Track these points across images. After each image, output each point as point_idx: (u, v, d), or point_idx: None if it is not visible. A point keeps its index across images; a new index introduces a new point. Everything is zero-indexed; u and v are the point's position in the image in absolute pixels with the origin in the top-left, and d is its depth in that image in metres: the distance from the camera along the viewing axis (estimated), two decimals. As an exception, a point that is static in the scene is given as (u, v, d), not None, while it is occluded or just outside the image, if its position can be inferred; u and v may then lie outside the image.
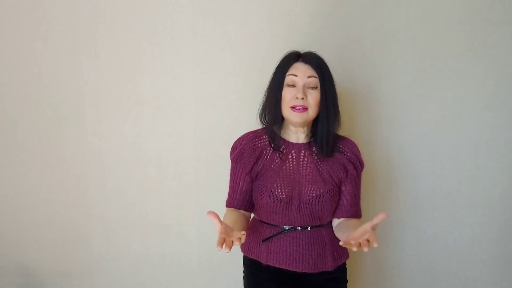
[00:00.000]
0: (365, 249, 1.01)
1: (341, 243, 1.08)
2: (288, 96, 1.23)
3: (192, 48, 1.74)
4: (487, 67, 1.69)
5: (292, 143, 1.31)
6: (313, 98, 1.23)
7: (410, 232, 1.81)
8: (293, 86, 1.23)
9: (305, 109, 1.22)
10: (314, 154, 1.30)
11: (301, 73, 1.23)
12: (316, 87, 1.23)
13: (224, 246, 1.01)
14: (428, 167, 1.76)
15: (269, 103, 1.29)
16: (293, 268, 1.28)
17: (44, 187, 1.90)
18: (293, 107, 1.22)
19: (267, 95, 1.31)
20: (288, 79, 1.24)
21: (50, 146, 1.87)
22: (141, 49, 1.76)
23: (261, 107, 1.34)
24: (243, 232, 1.06)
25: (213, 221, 1.04)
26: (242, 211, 1.35)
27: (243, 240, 1.06)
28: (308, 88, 1.23)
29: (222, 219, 1.30)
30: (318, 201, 1.25)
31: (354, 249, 1.04)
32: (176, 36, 1.74)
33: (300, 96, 1.21)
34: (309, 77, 1.22)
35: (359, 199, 1.36)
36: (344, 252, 1.38)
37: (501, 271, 1.80)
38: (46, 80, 1.83)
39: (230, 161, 1.36)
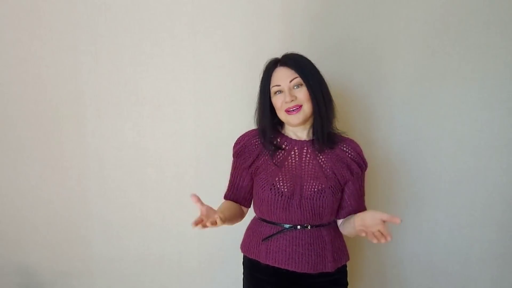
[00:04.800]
0: (383, 241, 1.08)
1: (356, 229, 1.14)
2: (279, 103, 1.27)
3: (192, 48, 1.74)
4: (487, 67, 1.69)
5: (295, 140, 1.33)
6: (303, 94, 1.25)
7: (410, 232, 1.81)
8: (280, 91, 1.27)
9: (300, 107, 1.25)
10: (316, 151, 1.31)
11: (282, 81, 1.26)
12: (302, 84, 1.26)
13: (198, 226, 1.08)
14: (428, 167, 1.76)
15: (263, 112, 1.33)
16: (292, 268, 1.28)
17: (44, 187, 1.90)
18: (287, 111, 1.26)
19: (258, 104, 1.34)
20: (274, 89, 1.28)
21: (50, 146, 1.87)
22: (141, 49, 1.76)
23: (255, 113, 1.36)
24: (217, 216, 1.10)
25: (195, 205, 1.09)
26: (238, 204, 1.40)
27: (219, 223, 1.10)
28: (294, 88, 1.26)
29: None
30: (320, 196, 1.26)
31: (375, 241, 1.10)
32: (176, 36, 1.74)
33: (289, 100, 1.24)
34: (291, 81, 1.25)
35: (363, 198, 1.39)
36: (344, 253, 1.38)
37: (501, 271, 1.80)
38: (46, 80, 1.83)
39: (231, 157, 1.39)
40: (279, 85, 1.26)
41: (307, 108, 1.26)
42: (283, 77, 1.26)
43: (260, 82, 1.32)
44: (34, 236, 1.94)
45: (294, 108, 1.24)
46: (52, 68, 1.82)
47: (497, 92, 1.70)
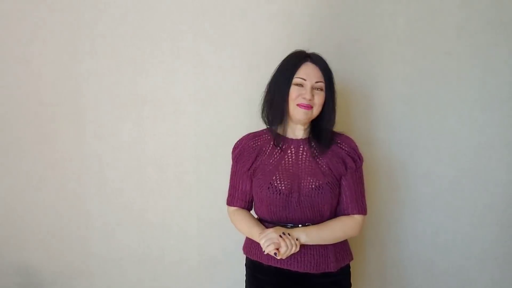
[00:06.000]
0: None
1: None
2: (295, 94, 1.27)
3: (192, 48, 1.74)
4: (487, 67, 1.69)
5: (291, 139, 1.34)
6: (319, 99, 1.28)
7: (410, 232, 1.81)
8: (301, 85, 1.27)
9: (311, 107, 1.26)
10: (313, 149, 1.32)
11: (309, 77, 1.27)
12: (322, 89, 1.28)
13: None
14: (428, 167, 1.76)
15: (275, 100, 1.31)
16: (294, 268, 1.28)
17: (44, 187, 1.90)
18: (299, 104, 1.26)
19: (272, 91, 1.32)
20: (297, 80, 1.28)
21: (50, 147, 1.87)
22: (141, 49, 1.76)
23: (263, 103, 1.35)
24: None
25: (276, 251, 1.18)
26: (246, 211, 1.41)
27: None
28: (314, 89, 1.27)
29: (234, 219, 1.39)
30: (318, 192, 1.26)
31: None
32: (176, 36, 1.74)
33: (308, 97, 1.25)
34: (316, 82, 1.27)
35: (362, 194, 1.35)
36: (347, 253, 1.37)
37: (501, 271, 1.80)
38: (46, 80, 1.83)
39: (230, 160, 1.39)
40: (304, 79, 1.27)
41: (316, 111, 1.28)
42: (312, 74, 1.27)
43: (281, 68, 1.31)
44: (34, 236, 1.94)
45: (306, 106, 1.26)
46: (52, 68, 1.82)
47: (497, 92, 1.70)
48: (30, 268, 1.97)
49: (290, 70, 1.29)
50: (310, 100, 1.25)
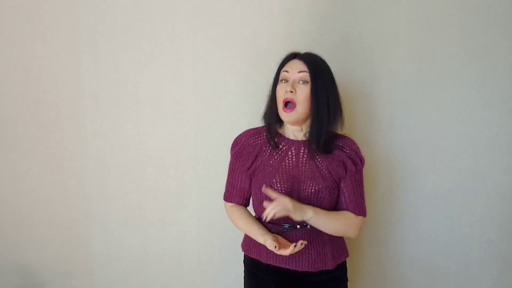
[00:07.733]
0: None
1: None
2: (281, 92, 1.27)
3: (192, 48, 1.74)
4: (487, 67, 1.69)
5: (292, 140, 1.33)
6: (303, 93, 1.24)
7: (410, 232, 1.81)
8: (286, 81, 1.27)
9: (294, 106, 1.24)
10: (313, 151, 1.30)
11: (292, 69, 1.26)
12: (307, 82, 1.25)
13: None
14: (428, 167, 1.76)
15: (268, 101, 1.34)
16: (292, 267, 1.28)
17: (44, 187, 1.90)
18: (284, 103, 1.25)
19: (269, 91, 1.35)
20: (282, 75, 1.28)
21: (50, 146, 1.87)
22: (141, 49, 1.76)
23: (264, 108, 1.37)
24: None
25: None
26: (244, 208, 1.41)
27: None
28: (298, 82, 1.25)
29: (231, 215, 1.39)
30: (317, 196, 1.26)
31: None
32: (176, 36, 1.74)
33: (289, 89, 1.24)
34: (299, 72, 1.25)
35: (361, 196, 1.35)
36: (344, 251, 1.38)
37: (501, 271, 1.80)
38: (46, 80, 1.83)
39: (229, 156, 1.39)
40: (287, 71, 1.27)
41: (301, 108, 1.25)
42: (294, 66, 1.26)
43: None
44: (34, 236, 1.94)
45: (289, 101, 1.24)
46: (52, 68, 1.82)
47: (497, 92, 1.70)
48: (30, 268, 1.97)
49: (279, 69, 1.31)
50: (291, 92, 1.23)
